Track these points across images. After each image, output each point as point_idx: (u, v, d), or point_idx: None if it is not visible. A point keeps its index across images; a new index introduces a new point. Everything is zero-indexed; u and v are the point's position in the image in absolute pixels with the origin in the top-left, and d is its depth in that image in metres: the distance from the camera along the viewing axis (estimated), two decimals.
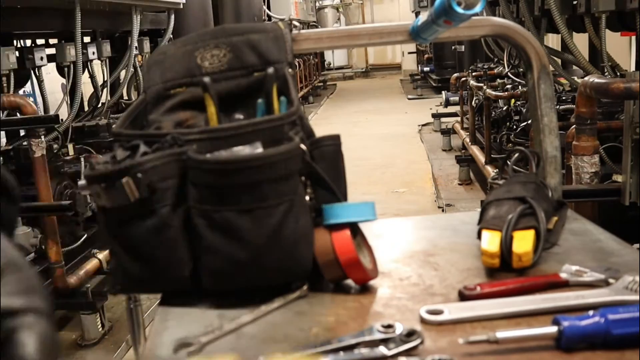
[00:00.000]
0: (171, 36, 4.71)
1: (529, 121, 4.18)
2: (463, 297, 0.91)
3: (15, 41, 3.56)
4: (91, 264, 3.43)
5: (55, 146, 3.37)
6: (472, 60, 7.70)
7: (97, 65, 4.18)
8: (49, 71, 4.06)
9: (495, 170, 4.48)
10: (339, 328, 0.86)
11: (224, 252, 0.90)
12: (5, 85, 3.15)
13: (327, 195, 0.98)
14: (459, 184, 5.72)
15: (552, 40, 5.10)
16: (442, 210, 4.97)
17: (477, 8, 0.84)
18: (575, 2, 3.27)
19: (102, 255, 3.50)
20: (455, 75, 7.35)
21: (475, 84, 5.68)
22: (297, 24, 1.17)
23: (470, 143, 5.86)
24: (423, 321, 0.85)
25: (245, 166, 0.88)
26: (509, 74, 5.14)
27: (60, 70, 3.88)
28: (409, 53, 15.88)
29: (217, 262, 0.91)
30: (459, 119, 7.00)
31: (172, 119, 1.06)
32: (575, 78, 3.88)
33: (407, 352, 0.76)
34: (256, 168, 0.88)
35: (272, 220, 0.90)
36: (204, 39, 1.09)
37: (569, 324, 0.75)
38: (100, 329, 3.27)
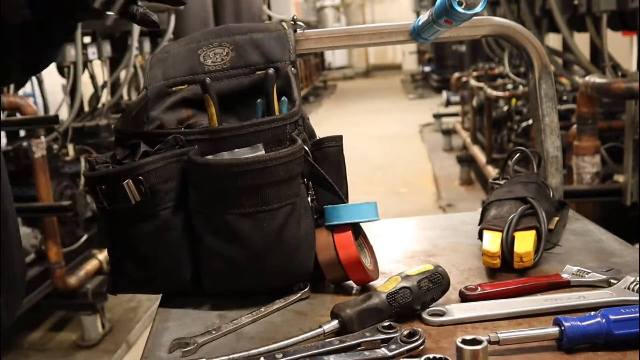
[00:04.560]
0: (171, 36, 4.70)
1: (530, 121, 4.18)
2: (464, 297, 0.91)
3: None
4: (91, 265, 3.43)
5: (55, 147, 3.37)
6: (472, 60, 7.71)
7: (97, 65, 4.18)
8: (49, 71, 4.06)
9: (496, 170, 4.48)
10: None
11: (224, 255, 0.90)
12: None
13: (330, 196, 0.98)
14: (460, 184, 5.72)
15: (553, 40, 5.10)
16: (443, 211, 4.97)
17: (478, 8, 0.84)
18: (576, 2, 3.27)
19: (102, 255, 3.50)
20: (456, 75, 7.36)
21: (476, 83, 5.67)
22: (301, 23, 1.16)
23: (471, 143, 5.86)
24: (424, 322, 0.84)
25: (248, 169, 0.87)
26: (509, 73, 5.14)
27: (61, 70, 3.88)
28: (410, 53, 15.89)
29: (217, 265, 0.91)
30: (459, 119, 7.00)
31: (174, 116, 1.06)
32: (576, 78, 3.88)
33: (408, 353, 0.76)
34: (258, 171, 0.87)
35: (274, 224, 0.89)
36: (208, 37, 1.09)
37: (571, 324, 0.75)
38: (101, 330, 3.27)
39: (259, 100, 1.02)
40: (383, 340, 0.78)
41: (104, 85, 4.24)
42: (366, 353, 0.76)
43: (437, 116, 8.14)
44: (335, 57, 17.85)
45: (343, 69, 18.01)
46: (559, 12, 3.36)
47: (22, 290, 1.02)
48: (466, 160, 5.79)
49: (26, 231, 3.26)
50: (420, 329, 0.78)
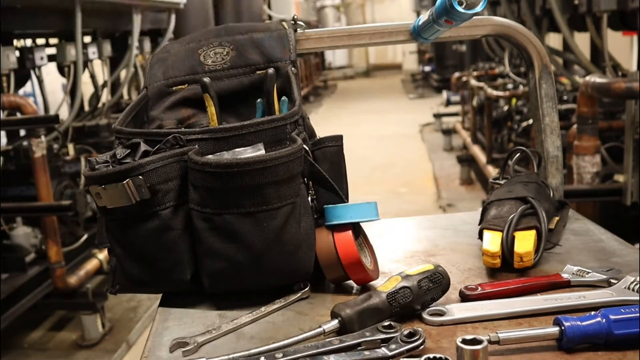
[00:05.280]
0: (172, 35, 4.70)
1: (530, 121, 4.18)
2: (464, 297, 0.91)
3: (15, 41, 3.56)
4: (91, 264, 3.43)
5: (55, 146, 3.37)
6: (473, 60, 7.71)
7: (97, 65, 4.17)
8: (50, 71, 4.06)
9: (496, 170, 4.48)
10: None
11: (224, 255, 0.90)
12: (5, 85, 3.15)
13: (330, 195, 0.98)
14: (460, 184, 5.72)
15: (554, 40, 5.10)
16: (443, 211, 4.97)
17: (479, 7, 0.84)
18: (576, 2, 3.27)
19: (102, 255, 3.50)
20: (456, 74, 7.36)
21: (476, 83, 5.67)
22: (301, 23, 1.16)
23: (471, 143, 5.86)
24: (424, 321, 0.84)
25: (248, 169, 0.86)
26: (510, 73, 5.14)
27: (61, 70, 3.88)
28: (410, 53, 15.89)
29: (217, 265, 0.91)
30: (460, 118, 7.00)
31: (174, 116, 1.06)
32: (577, 78, 3.88)
33: (408, 353, 0.76)
34: (258, 171, 0.87)
35: (274, 224, 0.89)
36: (208, 37, 1.09)
37: (571, 324, 0.75)
38: (101, 330, 3.27)
39: (259, 100, 1.02)
40: (383, 340, 0.78)
41: (104, 84, 4.24)
42: (366, 353, 0.76)
43: (437, 116, 8.14)
44: (336, 57, 17.84)
45: (343, 68, 17.99)
46: (559, 11, 3.36)
47: None
48: (466, 160, 5.79)
49: (26, 230, 3.27)
50: (420, 329, 0.78)
